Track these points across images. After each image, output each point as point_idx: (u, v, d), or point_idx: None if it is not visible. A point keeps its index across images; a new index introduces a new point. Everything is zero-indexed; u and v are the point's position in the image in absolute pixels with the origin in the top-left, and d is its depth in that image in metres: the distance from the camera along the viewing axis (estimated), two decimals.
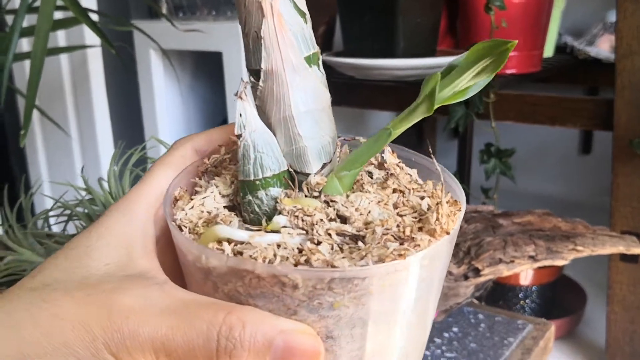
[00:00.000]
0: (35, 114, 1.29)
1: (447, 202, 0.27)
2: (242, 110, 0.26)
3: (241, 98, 0.26)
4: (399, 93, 0.99)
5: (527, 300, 1.18)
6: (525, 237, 0.74)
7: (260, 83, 0.27)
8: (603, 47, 1.22)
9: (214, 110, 1.50)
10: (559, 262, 0.74)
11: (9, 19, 0.96)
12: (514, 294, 1.18)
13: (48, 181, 1.33)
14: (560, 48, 1.27)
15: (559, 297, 1.22)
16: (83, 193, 0.59)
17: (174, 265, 0.29)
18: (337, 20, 1.19)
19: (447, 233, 0.26)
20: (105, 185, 0.58)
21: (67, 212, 0.57)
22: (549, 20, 1.05)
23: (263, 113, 0.27)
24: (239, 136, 0.27)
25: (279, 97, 0.27)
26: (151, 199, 0.29)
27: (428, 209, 0.27)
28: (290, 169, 0.28)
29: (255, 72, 0.27)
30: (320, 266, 0.23)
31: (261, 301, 0.24)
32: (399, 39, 0.93)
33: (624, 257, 0.92)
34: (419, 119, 0.27)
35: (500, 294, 1.18)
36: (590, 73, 1.26)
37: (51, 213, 0.58)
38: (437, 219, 0.26)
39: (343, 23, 1.03)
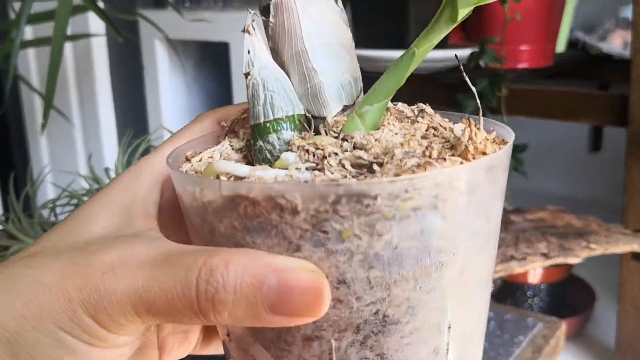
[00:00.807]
0: (37, 102, 1.28)
1: (488, 139, 0.23)
2: (250, 46, 0.23)
3: (249, 32, 0.23)
4: (407, 87, 0.98)
5: (535, 299, 1.17)
6: (538, 234, 0.74)
7: (271, 19, 0.24)
8: (615, 43, 1.21)
9: (219, 102, 1.49)
10: (572, 260, 0.73)
11: (16, 5, 0.95)
12: (523, 292, 1.17)
13: (52, 171, 1.32)
14: (572, 43, 1.25)
15: (567, 296, 1.21)
16: (90, 182, 0.58)
17: (182, 239, 0.27)
18: (347, 11, 1.17)
19: (484, 153, 0.22)
20: (113, 175, 0.57)
21: (74, 201, 0.56)
22: (562, 14, 1.04)
23: (276, 54, 0.24)
24: (247, 74, 0.24)
25: (290, 30, 0.24)
26: (159, 167, 0.27)
27: (462, 134, 0.23)
28: (308, 114, 0.25)
29: (265, 9, 0.24)
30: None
31: (259, 236, 0.21)
32: (411, 30, 0.92)
33: (636, 256, 0.91)
34: (444, 33, 0.24)
35: (508, 292, 1.17)
36: (602, 69, 1.25)
37: (57, 202, 0.57)
38: (470, 137, 0.22)
39: (354, 15, 1.01)
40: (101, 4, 0.96)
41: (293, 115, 0.24)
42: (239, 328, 0.23)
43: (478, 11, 1.03)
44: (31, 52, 1.27)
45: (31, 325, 0.22)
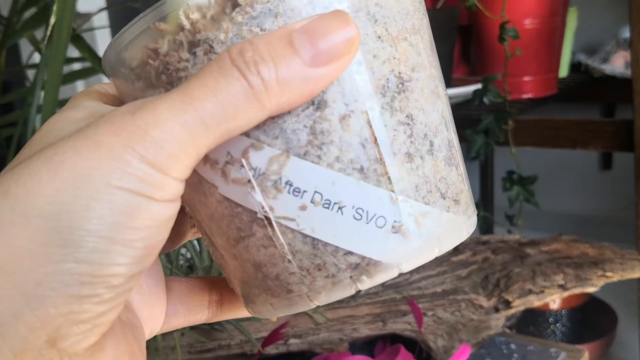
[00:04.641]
0: None
1: None
2: None
3: None
4: None
5: (557, 325, 1.17)
6: (554, 265, 0.74)
7: None
8: (617, 64, 1.22)
9: None
10: (589, 289, 0.74)
11: (33, 73, 0.98)
12: (544, 318, 1.17)
13: None
14: (574, 66, 1.27)
15: (589, 320, 1.20)
16: None
17: None
18: None
19: None
20: None
21: None
22: (562, 43, 1.05)
23: None
24: None
25: None
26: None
27: None
28: None
29: None
30: None
31: (267, 20, 0.21)
32: None
33: None
34: None
35: (530, 319, 1.18)
36: (606, 90, 1.26)
37: None
38: None
39: None
40: None
41: None
42: (263, 152, 0.21)
43: (480, 46, 1.06)
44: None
45: (74, 196, 0.18)
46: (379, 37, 0.21)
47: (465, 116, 0.96)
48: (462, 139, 0.91)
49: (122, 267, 0.19)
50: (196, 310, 0.28)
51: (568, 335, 1.17)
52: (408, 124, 0.22)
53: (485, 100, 0.86)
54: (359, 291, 0.22)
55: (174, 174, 0.19)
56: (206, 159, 0.22)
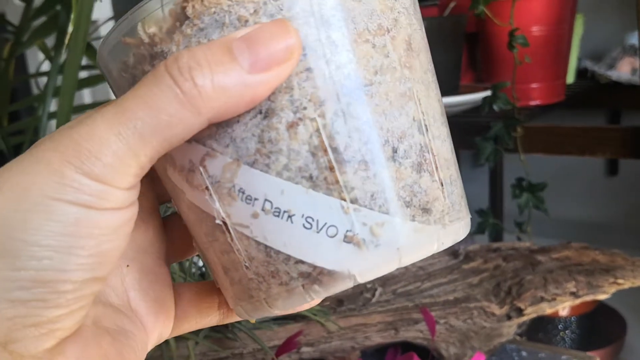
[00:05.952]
0: None
1: None
2: None
3: None
4: None
5: (567, 332, 1.17)
6: (565, 273, 0.74)
7: None
8: (624, 70, 1.22)
9: None
10: (601, 297, 0.74)
11: (41, 81, 0.99)
12: (554, 325, 1.16)
13: None
14: (581, 73, 1.27)
15: (598, 326, 1.20)
16: None
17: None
18: None
19: None
20: None
21: None
22: (569, 50, 1.06)
23: None
24: None
25: None
26: None
27: None
28: None
29: None
30: None
31: (214, 31, 0.21)
32: None
33: None
34: None
35: (539, 326, 1.17)
36: (613, 96, 1.26)
37: None
38: None
39: None
40: None
41: None
42: (217, 160, 0.21)
43: (488, 53, 1.06)
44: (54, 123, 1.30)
45: (14, 210, 0.19)
46: (333, 42, 0.21)
47: (474, 123, 0.96)
48: (472, 145, 0.92)
49: (70, 274, 0.20)
50: (206, 313, 0.28)
51: (577, 342, 1.16)
52: (364, 131, 0.21)
53: (495, 107, 0.86)
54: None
55: (116, 184, 0.20)
56: (175, 165, 0.22)
